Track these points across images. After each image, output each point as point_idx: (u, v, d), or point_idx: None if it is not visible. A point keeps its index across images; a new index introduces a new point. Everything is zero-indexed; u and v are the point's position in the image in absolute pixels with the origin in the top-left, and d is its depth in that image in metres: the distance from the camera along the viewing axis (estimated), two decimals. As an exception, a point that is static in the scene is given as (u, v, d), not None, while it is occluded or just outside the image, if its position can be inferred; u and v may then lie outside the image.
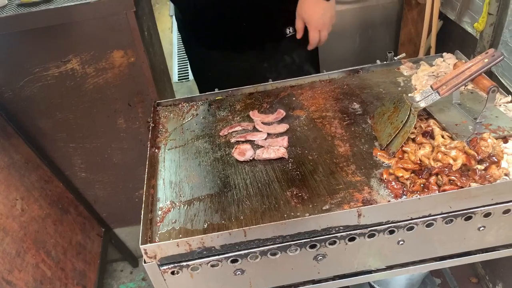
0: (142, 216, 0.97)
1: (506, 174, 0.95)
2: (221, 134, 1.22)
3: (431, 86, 1.09)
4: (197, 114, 1.33)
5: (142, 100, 1.61)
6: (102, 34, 1.47)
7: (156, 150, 1.20)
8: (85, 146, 1.73)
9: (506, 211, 0.97)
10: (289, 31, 1.51)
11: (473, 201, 0.94)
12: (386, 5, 1.99)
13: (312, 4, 1.38)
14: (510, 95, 1.13)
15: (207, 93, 1.42)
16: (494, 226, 1.00)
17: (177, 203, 1.03)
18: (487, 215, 0.97)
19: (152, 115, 1.31)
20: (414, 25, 1.96)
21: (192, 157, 1.17)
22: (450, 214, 0.95)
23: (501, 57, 1.02)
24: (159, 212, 1.02)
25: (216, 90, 1.43)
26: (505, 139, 1.02)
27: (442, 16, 1.85)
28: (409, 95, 1.21)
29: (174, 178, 1.11)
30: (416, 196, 0.93)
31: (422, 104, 1.09)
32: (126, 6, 1.41)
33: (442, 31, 1.88)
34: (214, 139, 1.22)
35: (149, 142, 1.20)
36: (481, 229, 0.99)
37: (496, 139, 1.01)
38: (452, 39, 1.86)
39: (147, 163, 1.13)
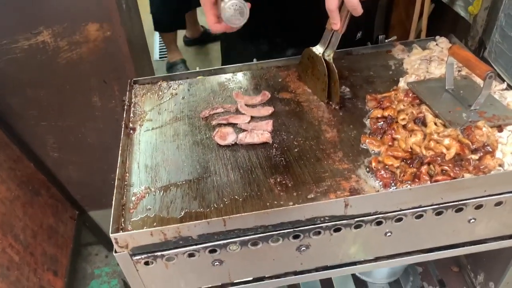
0: (113, 202, 0.90)
1: (500, 165, 0.90)
2: (201, 116, 1.15)
3: (326, 28, 1.11)
4: (176, 94, 1.25)
5: (118, 77, 1.52)
6: (76, 5, 1.36)
7: (131, 131, 1.12)
8: (57, 125, 1.64)
9: (498, 203, 0.93)
10: (359, 35, 1.46)
11: (465, 193, 0.89)
12: (377, -14, 1.92)
13: None
14: (505, 82, 1.09)
15: (187, 71, 1.34)
16: (484, 219, 0.96)
17: (153, 189, 0.96)
18: (478, 207, 0.93)
19: (127, 93, 1.23)
20: (405, 8, 1.90)
21: (170, 139, 1.09)
22: (441, 205, 0.91)
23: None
24: (133, 198, 0.95)
25: (198, 69, 1.35)
26: (499, 128, 0.97)
27: (434, -1, 1.79)
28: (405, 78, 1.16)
29: (150, 162, 1.03)
30: (407, 187, 0.88)
31: (331, 50, 1.11)
32: (102, -25, 1.31)
33: (433, 14, 1.83)
34: (194, 121, 1.14)
35: (123, 123, 1.11)
36: (471, 221, 0.95)
37: (491, 127, 0.96)
38: (444, 22, 1.81)
39: (120, 145, 1.06)
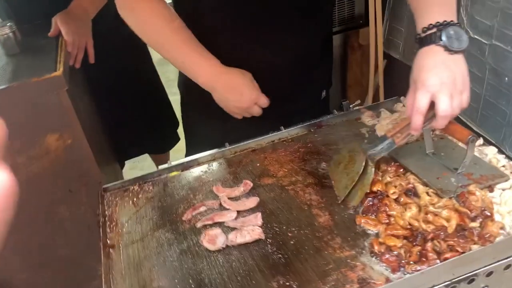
0: None
1: (501, 228, 0.89)
2: (184, 218, 1.08)
3: (385, 134, 1.04)
4: (152, 197, 1.17)
5: (85, 184, 1.43)
6: (32, 118, 1.30)
7: (111, 250, 1.03)
8: (23, 243, 1.50)
9: (507, 267, 0.90)
10: (324, 94, 1.45)
11: (475, 264, 0.86)
12: (328, 49, 1.98)
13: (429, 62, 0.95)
14: (481, 138, 1.10)
15: (159, 169, 1.28)
16: (496, 283, 0.92)
17: (146, 317, 0.87)
18: (489, 274, 0.89)
19: (100, 206, 1.14)
20: (359, 66, 1.96)
21: (154, 252, 1.01)
22: (453, 281, 0.87)
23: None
24: (125, 332, 0.85)
25: (171, 163, 1.29)
26: (490, 188, 0.96)
27: (385, 55, 1.86)
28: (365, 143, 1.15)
29: (137, 283, 0.94)
30: (416, 268, 0.84)
31: (379, 154, 1.03)
32: (57, 85, 1.26)
33: (387, 69, 1.89)
34: (177, 226, 1.07)
35: (101, 243, 1.02)
36: (484, 289, 0.92)
37: (482, 189, 0.95)
38: (398, 76, 1.87)
39: (102, 270, 0.96)
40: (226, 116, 1.38)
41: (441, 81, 0.91)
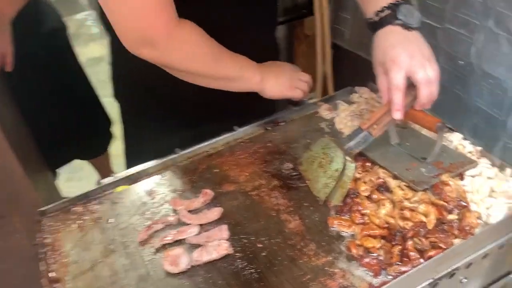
0: None
1: (478, 218, 0.86)
2: (139, 240, 0.96)
3: (360, 127, 0.99)
4: (99, 218, 1.04)
5: (17, 207, 1.26)
6: None
7: (57, 286, 0.89)
8: None
9: (484, 256, 0.88)
10: None
11: (457, 258, 0.83)
12: (274, 41, 1.91)
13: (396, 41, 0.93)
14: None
15: (103, 183, 1.14)
16: (474, 273, 0.90)
17: None
18: (468, 266, 0.87)
19: (38, 235, 0.99)
20: (306, 57, 1.91)
21: (108, 282, 0.88)
22: (435, 278, 0.83)
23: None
24: None
25: (116, 176, 1.15)
26: (460, 176, 0.94)
27: (332, 44, 1.82)
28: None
29: (92, 322, 0.82)
30: (403, 273, 0.79)
31: (356, 149, 0.98)
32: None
33: (335, 59, 1.86)
34: (132, 249, 0.94)
35: (44, 278, 0.88)
36: (463, 281, 0.89)
37: (453, 178, 0.92)
38: (345, 65, 1.84)
39: (47, 311, 0.82)
40: (172, 120, 1.27)
41: (410, 55, 0.90)
